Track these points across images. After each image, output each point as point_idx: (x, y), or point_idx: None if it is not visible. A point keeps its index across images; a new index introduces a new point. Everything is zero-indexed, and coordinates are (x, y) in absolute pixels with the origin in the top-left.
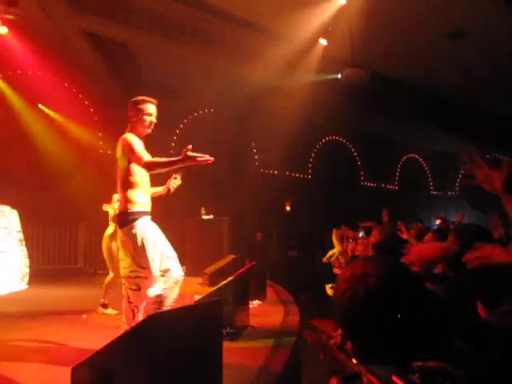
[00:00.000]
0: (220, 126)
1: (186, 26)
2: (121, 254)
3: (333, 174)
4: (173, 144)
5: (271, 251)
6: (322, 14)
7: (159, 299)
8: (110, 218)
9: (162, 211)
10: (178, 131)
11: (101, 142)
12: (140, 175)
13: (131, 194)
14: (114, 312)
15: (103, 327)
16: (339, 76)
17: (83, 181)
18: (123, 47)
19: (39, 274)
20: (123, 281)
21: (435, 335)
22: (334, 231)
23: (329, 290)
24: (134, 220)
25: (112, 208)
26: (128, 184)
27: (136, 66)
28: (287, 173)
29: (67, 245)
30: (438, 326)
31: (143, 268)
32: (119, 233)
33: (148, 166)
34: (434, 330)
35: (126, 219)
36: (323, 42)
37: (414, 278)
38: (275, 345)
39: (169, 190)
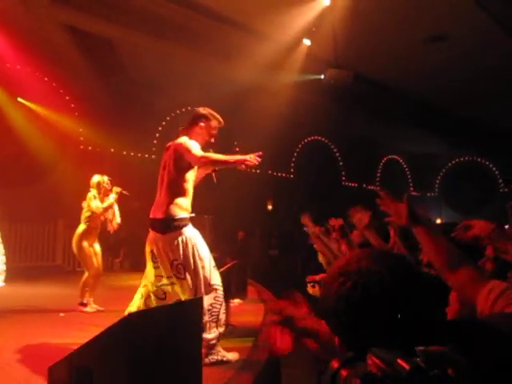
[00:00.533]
0: None
1: (173, 24)
2: (152, 262)
3: (315, 173)
4: (155, 141)
5: (253, 250)
6: (306, 15)
7: (213, 308)
8: (83, 217)
9: (142, 208)
10: (160, 128)
11: (81, 138)
12: (191, 182)
13: (181, 200)
14: (93, 310)
15: (81, 326)
16: (322, 76)
17: (62, 177)
18: (107, 43)
19: (16, 271)
20: (144, 282)
21: (434, 331)
22: (319, 229)
23: (310, 289)
24: (183, 226)
25: (89, 208)
26: (180, 190)
27: (120, 62)
28: (269, 172)
29: (45, 242)
30: (436, 321)
31: (181, 278)
32: (159, 238)
33: (202, 161)
34: (434, 327)
35: (173, 225)
36: (307, 42)
37: (419, 273)
38: (255, 344)
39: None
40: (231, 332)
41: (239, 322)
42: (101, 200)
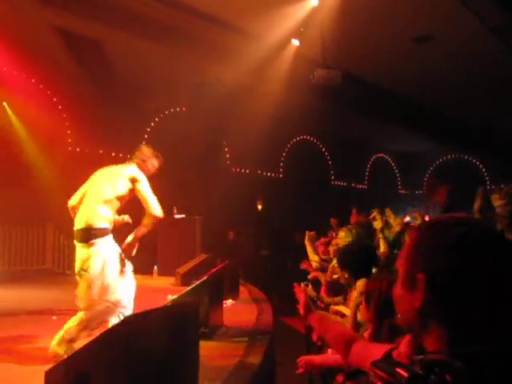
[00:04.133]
0: (192, 124)
1: (161, 25)
2: None
3: (303, 172)
4: (144, 142)
5: (243, 250)
6: (295, 15)
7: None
8: None
9: (134, 210)
10: (149, 129)
11: (69, 140)
12: None
13: None
14: None
15: None
16: (311, 76)
17: (51, 178)
18: (95, 44)
19: (6, 275)
20: None
21: None
22: (308, 234)
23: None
24: None
25: None
26: None
27: (107, 64)
28: (259, 171)
29: (35, 245)
30: None
31: None
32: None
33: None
34: None
35: None
36: (296, 42)
37: None
38: (249, 344)
39: None
40: (225, 333)
41: (232, 322)
42: None
